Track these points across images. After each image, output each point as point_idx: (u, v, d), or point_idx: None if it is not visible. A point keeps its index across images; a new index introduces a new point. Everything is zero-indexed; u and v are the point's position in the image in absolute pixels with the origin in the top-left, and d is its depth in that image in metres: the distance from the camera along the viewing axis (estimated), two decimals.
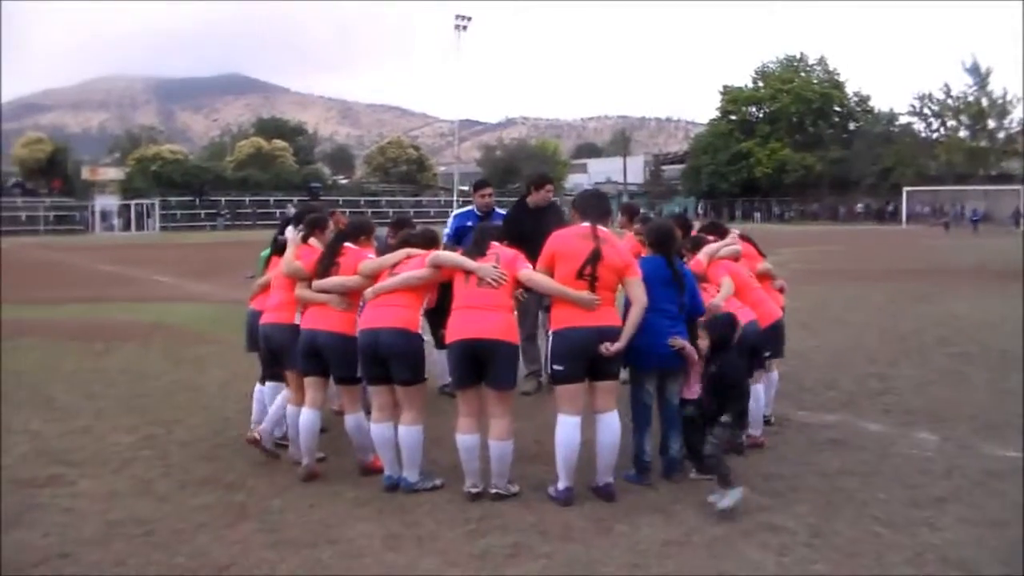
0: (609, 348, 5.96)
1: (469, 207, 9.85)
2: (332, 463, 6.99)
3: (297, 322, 6.83)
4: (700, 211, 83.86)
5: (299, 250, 6.98)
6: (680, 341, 6.34)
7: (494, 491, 6.15)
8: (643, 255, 6.68)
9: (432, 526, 5.70)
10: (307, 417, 6.63)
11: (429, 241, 6.84)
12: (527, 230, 7.72)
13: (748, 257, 7.94)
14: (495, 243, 6.44)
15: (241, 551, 5.33)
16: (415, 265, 6.42)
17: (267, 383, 7.38)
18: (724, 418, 5.94)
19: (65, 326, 14.96)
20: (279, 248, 7.33)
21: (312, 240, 7.09)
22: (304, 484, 6.52)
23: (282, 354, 6.98)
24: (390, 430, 6.36)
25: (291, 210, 38.82)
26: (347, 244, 6.83)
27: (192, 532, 5.63)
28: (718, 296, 6.99)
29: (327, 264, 6.69)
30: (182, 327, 14.93)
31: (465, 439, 6.13)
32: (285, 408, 6.96)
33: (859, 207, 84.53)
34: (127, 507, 6.09)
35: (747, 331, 6.85)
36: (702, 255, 7.42)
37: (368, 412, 6.67)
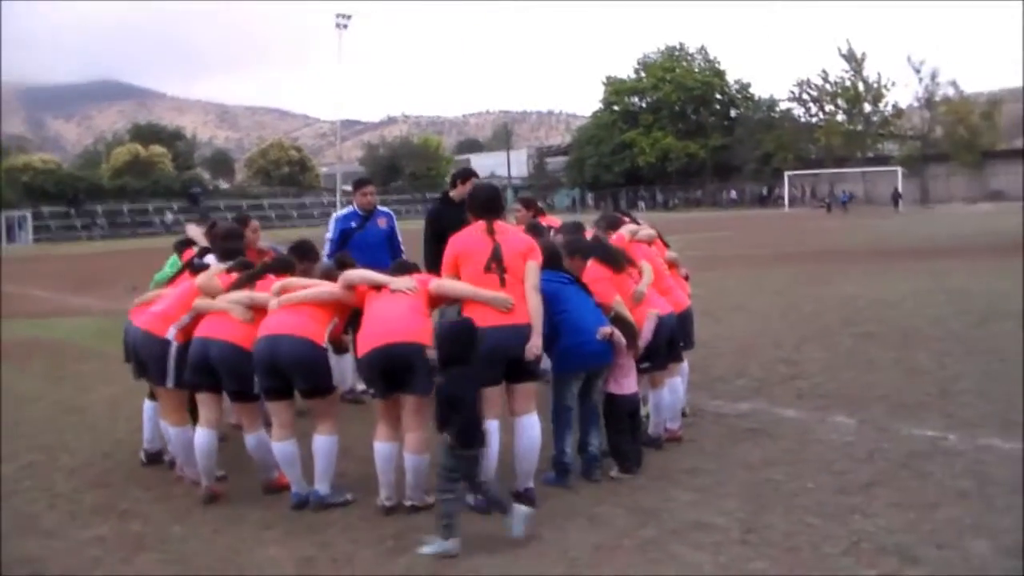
0: (532, 351, 5.72)
1: (351, 208, 9.52)
2: (233, 482, 6.54)
3: (169, 337, 6.37)
4: (592, 203, 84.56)
5: (221, 276, 6.54)
6: (607, 329, 6.12)
7: (409, 503, 5.83)
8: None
9: (347, 546, 5.34)
10: (203, 439, 6.17)
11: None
12: (450, 224, 7.52)
13: (655, 246, 7.79)
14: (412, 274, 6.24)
15: None
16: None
17: None
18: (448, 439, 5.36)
19: None
20: (195, 269, 6.86)
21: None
22: (205, 508, 6.08)
23: (148, 366, 6.50)
24: (294, 446, 5.98)
25: (181, 223, 37.45)
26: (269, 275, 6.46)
27: (86, 568, 5.18)
28: (641, 283, 6.85)
29: (243, 284, 6.32)
30: (63, 343, 14.17)
31: (383, 447, 5.80)
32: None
33: (732, 194, 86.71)
34: (11, 546, 5.56)
35: (665, 322, 6.71)
36: (624, 231, 7.35)
37: (268, 425, 6.25)
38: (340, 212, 9.72)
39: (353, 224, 9.17)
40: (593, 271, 6.63)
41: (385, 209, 9.61)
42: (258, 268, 6.58)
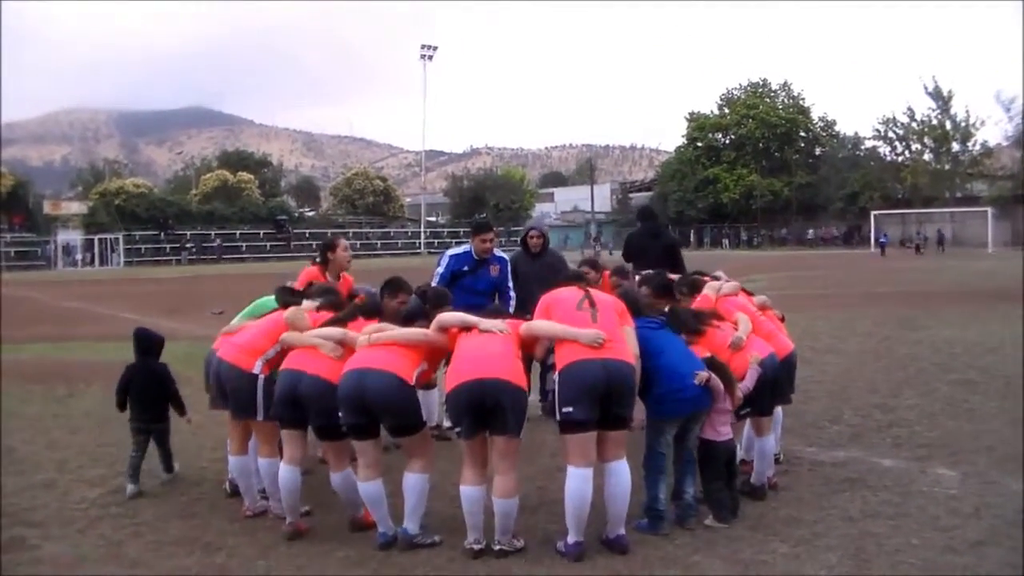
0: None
1: (465, 247, 9.30)
2: (319, 518, 6.45)
3: (256, 371, 6.31)
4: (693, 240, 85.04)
5: (310, 314, 6.52)
6: (704, 374, 5.92)
7: (498, 547, 5.65)
8: None
9: None
10: (287, 476, 6.08)
11: None
12: (526, 272, 7.52)
13: (741, 295, 7.57)
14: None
15: None
16: None
17: None
18: None
19: (25, 367, 14.12)
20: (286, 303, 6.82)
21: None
22: (290, 543, 5.98)
23: (234, 400, 6.45)
24: (380, 487, 5.84)
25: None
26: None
27: None
28: (740, 330, 6.65)
29: (334, 325, 6.25)
30: None
31: (470, 491, 5.63)
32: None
33: (784, 232, 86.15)
34: (95, 573, 5.52)
35: (767, 364, 6.50)
36: (708, 290, 7.16)
37: (354, 460, 6.14)
38: (456, 250, 9.40)
39: (465, 268, 9.02)
40: None
41: (501, 255, 9.37)
42: (348, 311, 6.47)
